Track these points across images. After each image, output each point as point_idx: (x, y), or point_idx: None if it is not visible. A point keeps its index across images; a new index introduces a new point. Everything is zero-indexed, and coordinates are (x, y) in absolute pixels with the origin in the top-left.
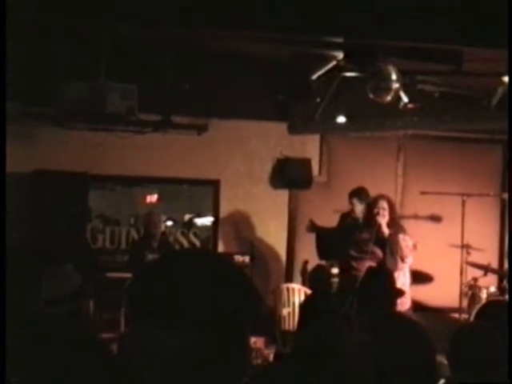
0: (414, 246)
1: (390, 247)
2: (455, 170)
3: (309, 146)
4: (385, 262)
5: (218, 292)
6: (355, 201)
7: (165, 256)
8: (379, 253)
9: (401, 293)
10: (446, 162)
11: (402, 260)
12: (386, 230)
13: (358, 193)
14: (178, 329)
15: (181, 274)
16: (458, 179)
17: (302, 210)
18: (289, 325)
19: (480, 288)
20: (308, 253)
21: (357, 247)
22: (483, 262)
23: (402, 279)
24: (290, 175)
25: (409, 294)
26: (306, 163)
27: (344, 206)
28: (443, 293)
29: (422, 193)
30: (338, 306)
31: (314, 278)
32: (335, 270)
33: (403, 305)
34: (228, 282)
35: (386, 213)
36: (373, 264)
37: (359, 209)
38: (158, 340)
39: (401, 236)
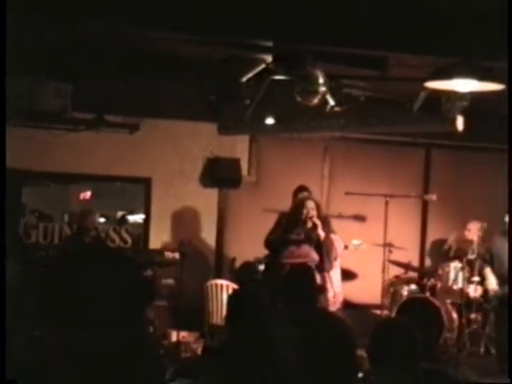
0: (346, 247)
1: (326, 249)
2: (379, 172)
3: (238, 147)
4: (322, 263)
5: (110, 290)
6: None
7: (63, 257)
8: (314, 254)
9: (322, 289)
10: (370, 163)
11: (335, 259)
12: (321, 233)
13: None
14: (73, 328)
15: (76, 275)
16: (381, 180)
17: (231, 209)
18: (217, 319)
19: (401, 285)
20: (236, 250)
21: (290, 247)
22: (404, 260)
23: (336, 275)
24: (219, 174)
25: (342, 290)
26: (235, 163)
27: (272, 204)
28: (366, 290)
29: (347, 193)
30: (264, 302)
31: (242, 275)
32: (262, 267)
33: (336, 301)
34: (121, 279)
35: (315, 213)
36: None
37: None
38: (56, 339)
39: (333, 236)
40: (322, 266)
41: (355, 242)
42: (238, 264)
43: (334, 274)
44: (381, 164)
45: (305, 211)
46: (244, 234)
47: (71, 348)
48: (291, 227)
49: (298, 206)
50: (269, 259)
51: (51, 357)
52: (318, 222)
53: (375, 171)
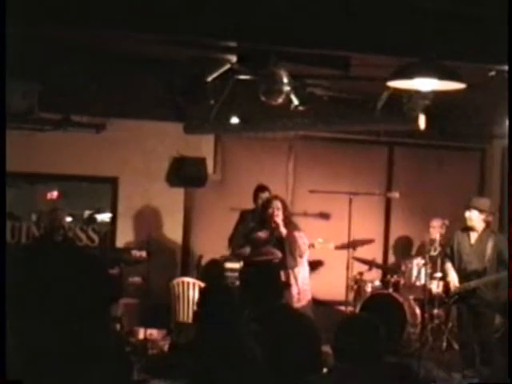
0: (312, 245)
1: (288, 246)
2: (343, 170)
3: (204, 146)
4: (285, 260)
5: (79, 285)
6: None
7: (31, 256)
8: (277, 253)
9: (286, 285)
10: (334, 162)
11: (301, 257)
12: (283, 230)
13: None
14: (42, 324)
15: (44, 273)
16: (345, 179)
17: (197, 207)
18: (183, 317)
19: (365, 282)
20: (202, 248)
21: (255, 247)
22: (368, 257)
23: (303, 272)
24: (185, 173)
25: (310, 285)
26: (201, 162)
27: (237, 202)
28: (331, 286)
29: (312, 191)
30: (231, 300)
31: (208, 272)
32: (228, 265)
33: (302, 298)
34: (88, 278)
35: (281, 212)
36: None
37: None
38: (27, 330)
39: (297, 234)
40: (286, 264)
41: (320, 240)
42: (204, 262)
43: (301, 271)
44: (345, 162)
45: (270, 210)
46: (210, 231)
47: (39, 344)
48: (257, 226)
49: (265, 204)
50: (235, 257)
51: (23, 352)
52: (280, 221)
53: (339, 169)
